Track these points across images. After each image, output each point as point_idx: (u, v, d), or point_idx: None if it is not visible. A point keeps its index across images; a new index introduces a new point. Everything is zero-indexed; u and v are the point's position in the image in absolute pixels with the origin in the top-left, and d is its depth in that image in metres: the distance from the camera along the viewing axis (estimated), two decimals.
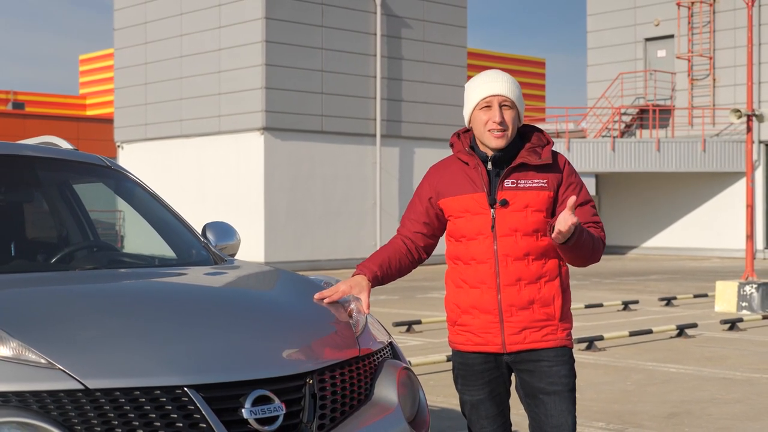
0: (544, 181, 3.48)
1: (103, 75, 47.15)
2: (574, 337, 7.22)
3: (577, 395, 3.66)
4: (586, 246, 3.42)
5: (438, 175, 3.60)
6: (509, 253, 3.47)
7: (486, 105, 3.48)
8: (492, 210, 3.48)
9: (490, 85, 3.48)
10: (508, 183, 3.48)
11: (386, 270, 3.61)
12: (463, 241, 3.54)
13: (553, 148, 3.58)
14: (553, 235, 3.35)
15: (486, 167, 3.51)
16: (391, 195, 26.05)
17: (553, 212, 3.51)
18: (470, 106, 3.53)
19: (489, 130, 3.46)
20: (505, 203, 3.46)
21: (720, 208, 30.44)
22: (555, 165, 3.52)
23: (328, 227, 24.92)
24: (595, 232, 3.53)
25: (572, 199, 3.29)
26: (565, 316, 3.55)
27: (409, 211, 3.67)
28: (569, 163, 3.58)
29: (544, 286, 3.50)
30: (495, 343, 3.51)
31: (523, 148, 3.52)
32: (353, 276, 3.58)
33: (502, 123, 3.45)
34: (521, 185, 3.47)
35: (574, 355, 3.64)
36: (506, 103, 3.47)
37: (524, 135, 3.58)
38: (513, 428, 3.70)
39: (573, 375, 3.54)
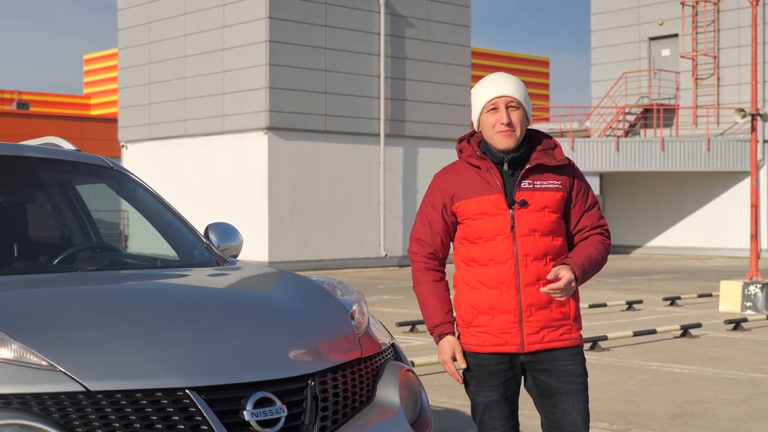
0: (559, 182, 3.53)
1: (107, 75, 47.20)
2: None
3: None
4: (589, 275, 3.56)
5: (449, 180, 3.58)
6: (529, 253, 3.49)
7: (493, 107, 3.50)
8: (511, 210, 3.49)
9: (495, 87, 3.51)
10: (525, 184, 3.51)
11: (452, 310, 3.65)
12: (479, 243, 3.52)
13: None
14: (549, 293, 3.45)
15: (500, 169, 3.52)
16: (396, 195, 26.02)
17: (565, 214, 3.56)
18: (477, 110, 3.55)
19: (498, 132, 3.48)
20: (524, 203, 3.48)
21: (724, 208, 30.39)
22: (568, 167, 3.59)
23: (332, 227, 24.90)
24: (596, 242, 3.61)
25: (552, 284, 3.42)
26: (578, 316, 3.62)
27: (425, 227, 3.60)
28: (576, 165, 3.67)
29: None
30: (513, 343, 3.51)
31: (535, 150, 3.55)
32: (441, 342, 3.57)
33: (510, 124, 3.47)
34: (538, 186, 3.51)
35: None
36: (512, 104, 3.50)
37: (531, 138, 3.60)
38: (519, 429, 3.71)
39: (587, 374, 3.60)
